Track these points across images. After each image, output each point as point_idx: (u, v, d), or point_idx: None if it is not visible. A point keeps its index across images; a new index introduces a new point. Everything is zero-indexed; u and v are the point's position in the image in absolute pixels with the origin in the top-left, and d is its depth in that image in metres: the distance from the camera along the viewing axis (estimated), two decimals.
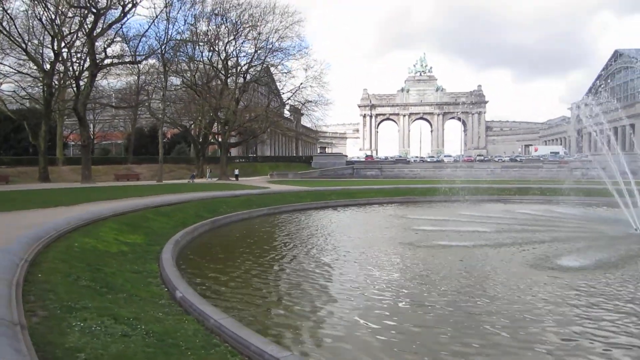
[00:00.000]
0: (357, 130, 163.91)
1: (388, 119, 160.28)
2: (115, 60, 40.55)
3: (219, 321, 6.09)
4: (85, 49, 36.64)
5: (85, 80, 37.57)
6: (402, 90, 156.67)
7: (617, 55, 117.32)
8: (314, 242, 16.02)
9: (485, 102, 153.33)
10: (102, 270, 8.36)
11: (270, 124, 54.00)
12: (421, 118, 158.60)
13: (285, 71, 49.59)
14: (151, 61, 53.06)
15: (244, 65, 50.38)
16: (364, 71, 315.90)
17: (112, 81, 60.13)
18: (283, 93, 51.07)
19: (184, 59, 48.97)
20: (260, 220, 21.76)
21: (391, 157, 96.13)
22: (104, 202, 19.78)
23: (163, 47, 40.60)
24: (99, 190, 27.81)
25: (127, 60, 40.64)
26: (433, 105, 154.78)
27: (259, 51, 48.33)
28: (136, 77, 57.12)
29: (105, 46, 37.89)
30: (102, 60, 37.86)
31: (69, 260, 8.46)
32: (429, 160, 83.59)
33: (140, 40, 39.53)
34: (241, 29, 45.94)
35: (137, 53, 39.13)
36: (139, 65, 54.29)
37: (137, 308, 6.56)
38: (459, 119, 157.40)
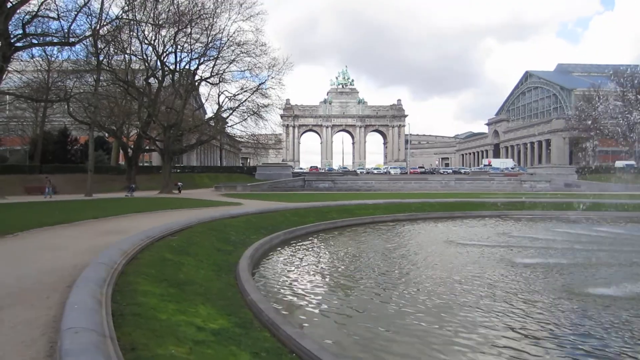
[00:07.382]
0: (280, 141, 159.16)
1: (311, 130, 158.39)
2: (38, 40, 30.41)
3: None
4: None
5: None
6: (325, 101, 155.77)
7: (527, 75, 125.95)
8: None
9: (405, 116, 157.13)
10: None
11: (221, 129, 46.96)
12: (343, 130, 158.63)
13: (246, 68, 43.04)
14: (66, 53, 43.69)
15: (192, 60, 43.02)
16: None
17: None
18: (236, 95, 44.39)
19: (114, 50, 40.44)
20: (291, 246, 16.32)
21: (337, 169, 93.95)
22: (60, 229, 12.96)
23: (100, 27, 31.94)
24: (34, 211, 20.00)
25: (56, 41, 30.92)
26: (355, 117, 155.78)
27: (210, 45, 41.29)
28: (45, 73, 47.06)
29: (24, 22, 28.43)
30: (20, 39, 28.60)
31: None
32: (375, 172, 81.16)
33: (77, 15, 30.20)
34: (195, 17, 38.43)
35: (71, 33, 29.97)
36: (50, 57, 45.00)
37: None
38: (380, 131, 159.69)
